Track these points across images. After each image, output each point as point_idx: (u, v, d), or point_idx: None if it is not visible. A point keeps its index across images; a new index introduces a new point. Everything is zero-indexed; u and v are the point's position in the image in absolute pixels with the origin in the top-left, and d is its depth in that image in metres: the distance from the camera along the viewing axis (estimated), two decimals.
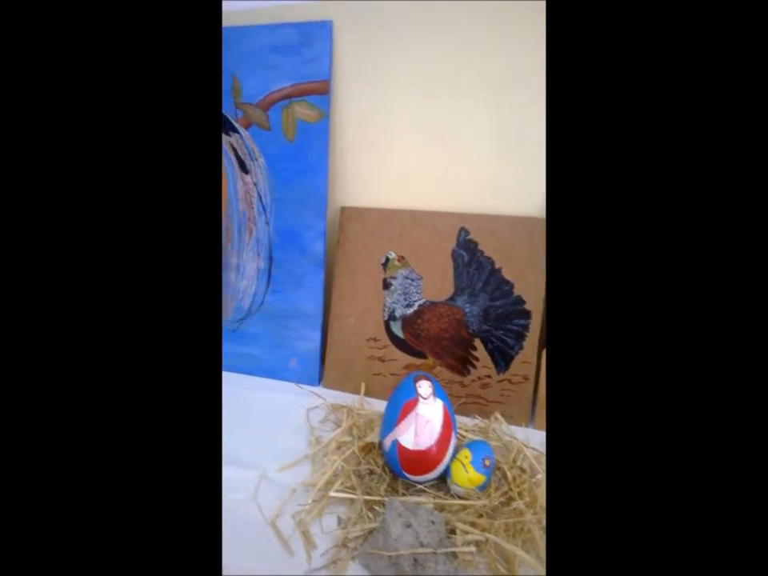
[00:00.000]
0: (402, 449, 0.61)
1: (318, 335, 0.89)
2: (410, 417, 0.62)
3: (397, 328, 0.84)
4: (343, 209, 0.88)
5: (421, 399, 0.62)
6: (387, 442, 0.63)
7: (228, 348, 0.94)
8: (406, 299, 0.83)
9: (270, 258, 0.89)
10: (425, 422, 0.62)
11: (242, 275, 0.91)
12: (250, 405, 0.84)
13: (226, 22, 0.86)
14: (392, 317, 0.84)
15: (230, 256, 0.92)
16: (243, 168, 0.89)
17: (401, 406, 0.63)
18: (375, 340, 0.85)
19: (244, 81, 0.86)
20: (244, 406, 0.84)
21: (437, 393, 0.63)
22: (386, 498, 0.61)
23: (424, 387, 0.63)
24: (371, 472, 0.67)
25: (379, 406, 0.81)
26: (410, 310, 0.83)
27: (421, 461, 0.62)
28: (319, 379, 0.90)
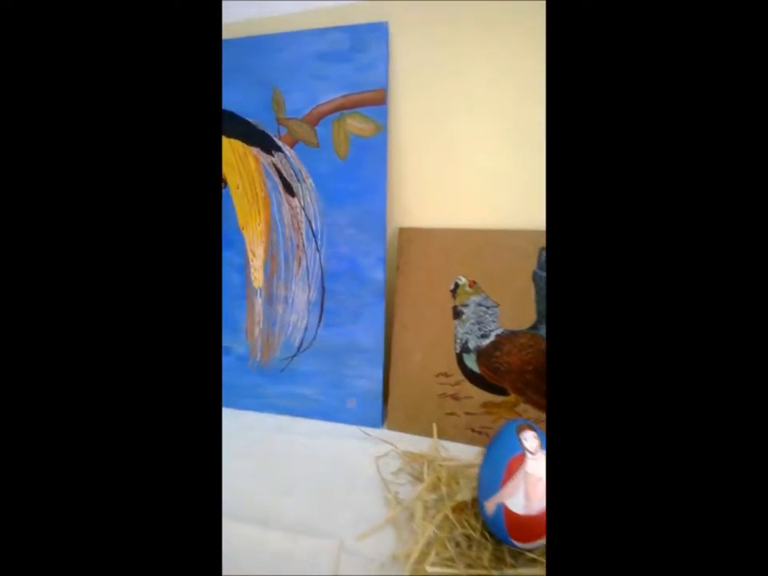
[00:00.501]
0: (511, 514, 0.52)
1: (379, 372, 0.80)
2: (518, 476, 0.53)
3: (471, 361, 0.75)
4: (402, 230, 0.79)
5: (528, 455, 0.53)
6: (491, 506, 0.54)
7: (277, 389, 0.85)
8: (480, 329, 0.74)
9: (323, 289, 0.81)
10: (536, 482, 0.52)
11: (291, 308, 0.83)
12: (309, 455, 0.75)
13: (264, 29, 0.78)
14: (465, 349, 0.75)
15: (277, 287, 0.83)
16: (289, 190, 0.80)
17: (505, 464, 0.54)
18: (446, 375, 0.76)
19: (287, 93, 0.77)
20: (302, 457, 0.75)
21: (544, 445, 0.54)
22: (494, 572, 0.52)
23: (530, 440, 0.54)
24: (468, 538, 0.58)
25: (457, 450, 0.72)
26: (486, 341, 0.74)
27: (533, 526, 0.52)
28: (382, 420, 0.81)
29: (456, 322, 0.76)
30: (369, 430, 0.80)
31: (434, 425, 0.75)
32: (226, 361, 0.87)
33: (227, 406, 0.88)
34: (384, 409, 0.81)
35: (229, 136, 0.81)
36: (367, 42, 0.73)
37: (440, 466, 0.67)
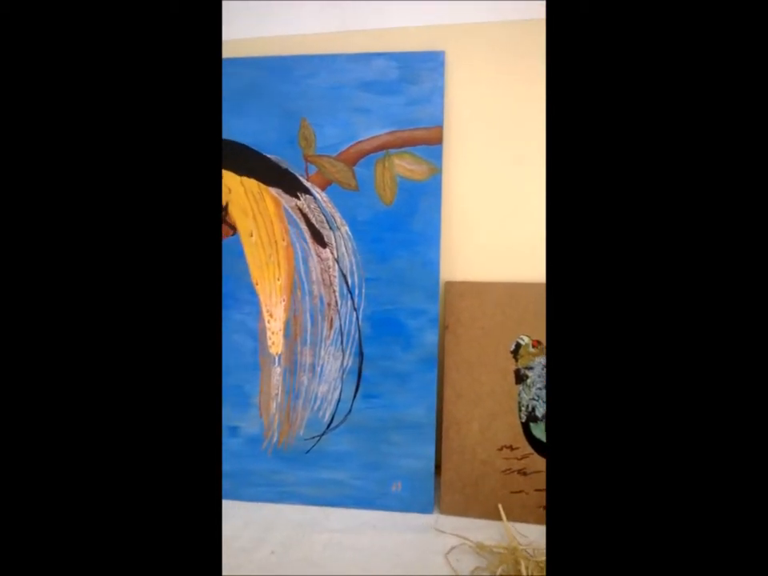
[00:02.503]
0: None
1: (430, 449, 0.69)
2: None
3: (540, 431, 0.67)
4: (449, 284, 0.69)
5: None
6: None
7: (300, 474, 0.71)
8: None
9: (360, 354, 0.69)
10: None
11: (320, 378, 0.69)
12: (359, 559, 0.62)
13: (292, 49, 0.65)
14: (532, 417, 0.67)
15: (302, 353, 0.69)
16: (319, 240, 0.67)
17: None
18: (511, 448, 0.68)
19: (318, 126, 0.65)
20: (351, 562, 0.61)
21: None
22: None
23: None
24: None
25: (531, 533, 0.64)
26: None
27: None
28: (434, 505, 0.70)
29: (520, 387, 0.68)
30: (421, 516, 0.68)
31: (500, 506, 0.66)
32: (233, 444, 0.71)
33: (236, 498, 0.72)
34: (436, 491, 0.70)
35: (241, 174, 0.67)
36: (419, 72, 0.63)
37: (538, 562, 0.58)
